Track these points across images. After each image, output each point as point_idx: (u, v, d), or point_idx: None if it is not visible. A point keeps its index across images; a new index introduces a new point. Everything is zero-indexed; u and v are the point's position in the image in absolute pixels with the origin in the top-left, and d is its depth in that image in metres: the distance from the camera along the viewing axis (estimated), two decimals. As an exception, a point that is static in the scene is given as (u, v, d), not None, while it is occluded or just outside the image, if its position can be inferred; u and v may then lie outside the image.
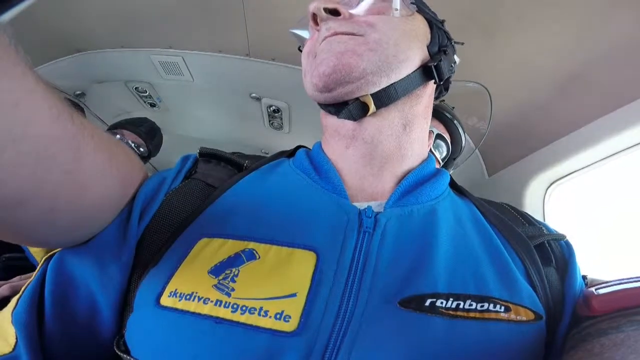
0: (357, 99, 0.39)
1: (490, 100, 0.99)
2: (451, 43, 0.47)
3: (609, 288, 0.39)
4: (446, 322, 0.30)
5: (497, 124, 1.04)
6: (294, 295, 0.30)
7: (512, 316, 0.33)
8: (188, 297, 0.30)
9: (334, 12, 0.40)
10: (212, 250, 0.33)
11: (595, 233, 0.94)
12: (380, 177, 0.42)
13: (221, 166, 0.45)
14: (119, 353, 0.31)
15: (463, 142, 0.97)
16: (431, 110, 0.48)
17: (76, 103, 1.43)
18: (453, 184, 0.48)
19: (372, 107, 0.39)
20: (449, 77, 0.47)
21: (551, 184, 1.01)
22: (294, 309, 0.29)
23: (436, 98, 0.51)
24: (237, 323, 0.29)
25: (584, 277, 0.46)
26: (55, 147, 0.26)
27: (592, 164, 0.90)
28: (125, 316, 0.34)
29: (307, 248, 0.33)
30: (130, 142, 1.22)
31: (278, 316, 0.29)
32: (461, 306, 0.32)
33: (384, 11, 0.41)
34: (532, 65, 0.91)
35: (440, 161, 0.93)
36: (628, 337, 0.34)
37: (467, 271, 0.35)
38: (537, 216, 0.52)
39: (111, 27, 1.22)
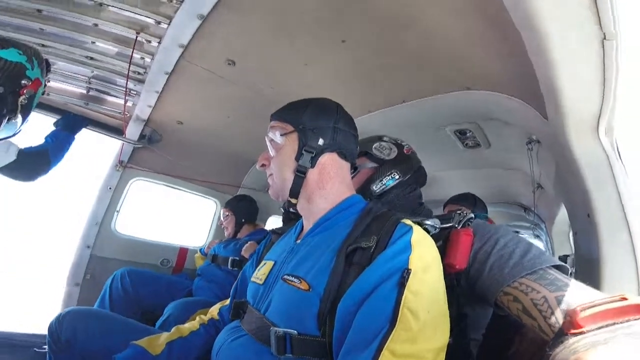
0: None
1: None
2: (314, 130, 0.86)
3: (593, 308, 0.47)
4: (283, 284, 0.77)
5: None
6: (264, 275, 0.87)
7: (299, 285, 0.73)
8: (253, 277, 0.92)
9: (263, 165, 0.94)
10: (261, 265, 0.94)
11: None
12: (308, 221, 0.90)
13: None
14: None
15: (391, 156, 1.10)
16: (329, 176, 0.88)
17: None
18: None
19: (294, 200, 0.90)
20: (323, 149, 0.87)
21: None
22: (263, 278, 0.86)
23: (349, 158, 0.93)
24: (253, 282, 0.90)
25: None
26: None
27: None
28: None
29: (272, 260, 0.90)
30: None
31: (259, 280, 0.87)
32: (290, 278, 0.76)
33: (277, 150, 0.90)
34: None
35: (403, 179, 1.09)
36: (619, 347, 0.40)
37: (306, 263, 0.78)
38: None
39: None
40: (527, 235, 3.52)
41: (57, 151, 1.69)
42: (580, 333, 0.44)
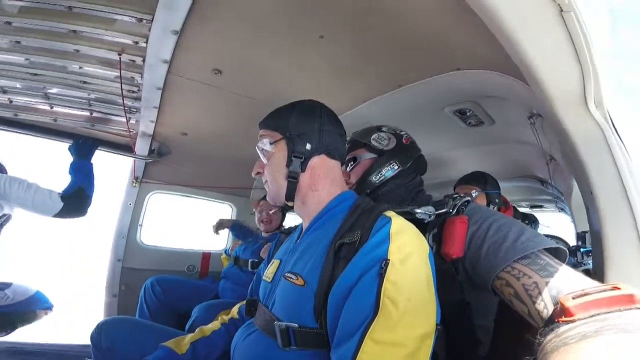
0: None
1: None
2: (301, 135, 0.88)
3: (585, 296, 0.46)
4: (284, 281, 0.82)
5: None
6: (271, 273, 0.92)
7: (296, 281, 0.78)
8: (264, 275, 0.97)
9: (258, 173, 0.96)
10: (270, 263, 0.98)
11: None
12: (305, 222, 0.93)
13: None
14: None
15: (390, 146, 1.08)
16: (319, 177, 0.90)
17: None
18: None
19: (290, 203, 0.93)
20: (312, 153, 0.89)
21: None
22: (271, 276, 0.91)
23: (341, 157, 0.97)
24: (264, 280, 0.95)
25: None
26: None
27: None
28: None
29: (278, 259, 0.95)
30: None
31: (267, 278, 0.93)
32: (289, 275, 0.81)
33: (268, 158, 0.93)
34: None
35: (402, 168, 1.07)
36: (609, 340, 0.39)
37: (302, 261, 0.82)
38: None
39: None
40: (551, 209, 3.36)
41: (87, 182, 1.82)
42: (571, 321, 0.44)
